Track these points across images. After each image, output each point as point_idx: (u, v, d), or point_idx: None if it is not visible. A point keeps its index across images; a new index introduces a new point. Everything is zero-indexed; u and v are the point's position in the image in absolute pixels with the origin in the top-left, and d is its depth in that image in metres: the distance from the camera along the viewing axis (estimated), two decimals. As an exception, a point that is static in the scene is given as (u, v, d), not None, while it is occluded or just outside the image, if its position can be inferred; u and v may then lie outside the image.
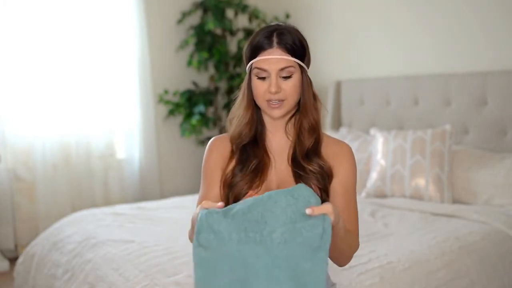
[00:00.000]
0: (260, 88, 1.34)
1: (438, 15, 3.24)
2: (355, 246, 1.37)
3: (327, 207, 1.14)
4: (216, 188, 1.41)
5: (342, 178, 1.38)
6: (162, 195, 4.16)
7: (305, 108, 1.38)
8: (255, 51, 1.34)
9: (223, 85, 4.28)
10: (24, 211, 3.71)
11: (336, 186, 1.38)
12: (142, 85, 3.97)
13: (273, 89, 1.31)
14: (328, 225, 1.10)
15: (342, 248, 1.30)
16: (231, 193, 1.38)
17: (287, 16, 4.13)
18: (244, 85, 1.41)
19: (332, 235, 1.17)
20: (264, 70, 1.33)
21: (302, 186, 1.19)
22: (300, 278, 1.09)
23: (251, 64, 1.36)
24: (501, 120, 2.90)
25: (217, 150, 1.44)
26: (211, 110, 4.31)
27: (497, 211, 2.54)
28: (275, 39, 1.32)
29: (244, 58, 1.39)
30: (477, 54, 3.07)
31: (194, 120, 4.03)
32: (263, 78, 1.34)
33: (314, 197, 1.17)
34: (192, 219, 1.26)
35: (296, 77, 1.34)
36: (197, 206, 1.43)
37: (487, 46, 3.03)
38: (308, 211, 1.12)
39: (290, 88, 1.33)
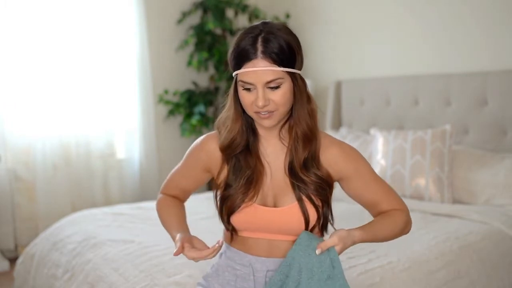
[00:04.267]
0: (247, 100, 1.24)
1: (438, 15, 3.24)
2: (405, 222, 1.35)
3: (331, 241, 1.20)
4: (188, 180, 1.48)
5: (358, 176, 1.33)
6: (162, 195, 4.16)
7: (298, 117, 1.28)
8: (239, 60, 1.22)
9: (223, 85, 4.28)
10: (24, 211, 3.70)
11: (359, 185, 1.34)
12: (142, 85, 3.97)
13: (260, 103, 1.20)
14: (334, 254, 1.20)
15: (390, 235, 1.33)
16: (224, 206, 1.33)
17: (287, 16, 4.13)
18: (230, 93, 1.31)
19: (372, 241, 1.29)
20: (250, 83, 1.22)
21: (304, 233, 1.26)
22: None
23: (236, 75, 1.25)
24: (501, 120, 2.90)
25: (208, 150, 1.40)
26: (211, 110, 4.31)
27: (497, 211, 2.54)
28: (259, 47, 1.19)
29: (229, 63, 1.27)
30: (477, 54, 3.07)
31: (194, 120, 4.03)
32: (249, 89, 1.23)
33: (315, 239, 1.26)
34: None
35: (286, 85, 1.22)
36: (167, 179, 1.52)
37: (487, 46, 3.03)
38: (317, 251, 1.20)
39: (280, 98, 1.22)
